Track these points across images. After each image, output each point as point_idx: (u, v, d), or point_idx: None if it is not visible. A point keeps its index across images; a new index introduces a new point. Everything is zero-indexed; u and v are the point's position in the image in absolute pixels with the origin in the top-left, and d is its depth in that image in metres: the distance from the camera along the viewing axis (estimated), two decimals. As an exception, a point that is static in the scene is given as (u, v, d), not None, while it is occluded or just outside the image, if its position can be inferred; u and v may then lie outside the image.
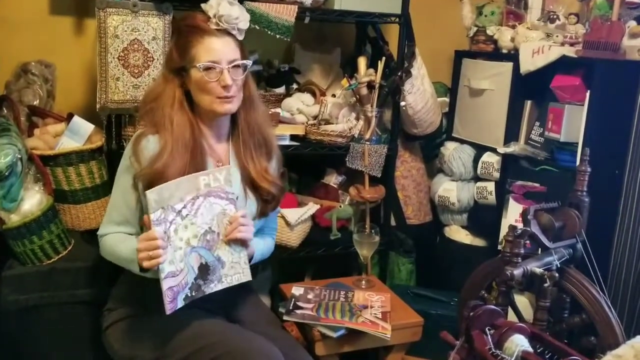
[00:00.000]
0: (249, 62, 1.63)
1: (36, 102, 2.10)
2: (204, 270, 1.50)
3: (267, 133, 1.73)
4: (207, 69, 1.56)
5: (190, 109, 1.62)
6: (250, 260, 1.66)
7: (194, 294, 1.49)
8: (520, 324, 1.25)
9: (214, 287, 1.52)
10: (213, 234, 1.51)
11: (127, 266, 1.58)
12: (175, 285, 1.45)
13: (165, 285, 1.43)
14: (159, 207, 1.42)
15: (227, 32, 1.59)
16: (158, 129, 1.58)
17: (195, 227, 1.48)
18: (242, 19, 1.60)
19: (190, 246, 1.48)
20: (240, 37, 1.62)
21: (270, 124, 1.84)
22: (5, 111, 1.98)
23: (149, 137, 1.58)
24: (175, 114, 1.58)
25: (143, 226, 1.58)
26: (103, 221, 1.65)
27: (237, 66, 1.60)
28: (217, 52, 1.56)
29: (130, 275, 1.63)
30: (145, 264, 1.43)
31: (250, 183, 1.67)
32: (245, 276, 1.56)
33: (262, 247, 1.77)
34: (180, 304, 1.46)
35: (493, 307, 1.27)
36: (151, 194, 1.41)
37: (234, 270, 1.54)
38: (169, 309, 1.43)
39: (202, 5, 1.61)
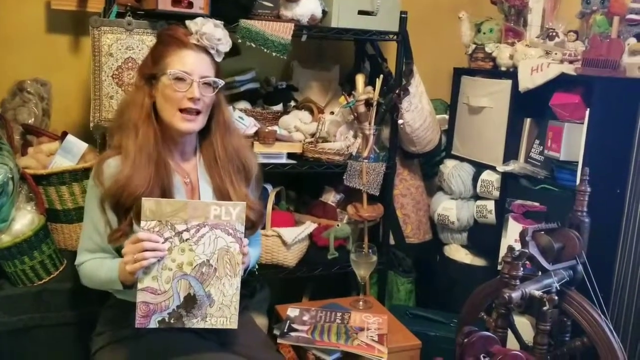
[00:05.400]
0: (220, 82, 1.61)
1: (31, 121, 2.10)
2: (190, 302, 1.46)
3: (244, 157, 1.70)
4: (178, 78, 1.54)
5: (157, 123, 1.59)
6: (245, 271, 1.63)
7: (172, 321, 1.45)
8: (516, 352, 1.21)
9: (195, 322, 1.47)
10: (209, 268, 1.47)
11: (110, 287, 1.57)
12: (152, 304, 1.43)
13: (140, 297, 1.42)
14: (154, 218, 1.41)
15: (205, 50, 1.58)
16: (122, 145, 1.55)
17: (193, 254, 1.45)
18: (224, 42, 1.59)
19: (183, 272, 1.45)
20: (218, 59, 1.61)
21: (248, 147, 1.81)
22: (-1, 130, 1.97)
23: (109, 161, 1.56)
24: (142, 123, 1.55)
25: (118, 248, 1.57)
26: (78, 250, 1.63)
27: (209, 84, 1.58)
28: (191, 65, 1.55)
29: (117, 298, 1.62)
30: (129, 267, 1.40)
31: None
32: (232, 323, 1.50)
33: (255, 255, 1.76)
34: (152, 324, 1.43)
35: (488, 333, 1.23)
36: (147, 202, 1.41)
37: (221, 313, 1.48)
38: (138, 323, 1.42)
39: (187, 21, 1.60)
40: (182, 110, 1.55)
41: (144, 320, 1.43)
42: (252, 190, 1.73)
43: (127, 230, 1.52)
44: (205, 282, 1.46)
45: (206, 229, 1.45)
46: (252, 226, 1.66)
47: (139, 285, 1.43)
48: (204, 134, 1.67)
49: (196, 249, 1.45)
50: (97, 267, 1.57)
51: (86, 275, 1.61)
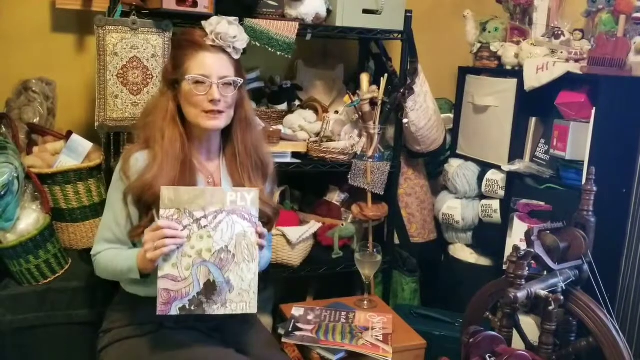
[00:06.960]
0: (240, 80, 1.62)
1: (37, 120, 2.10)
2: (210, 289, 1.46)
3: (263, 154, 1.72)
4: (197, 82, 1.56)
5: (182, 124, 1.62)
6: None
7: (193, 308, 1.45)
8: (522, 352, 1.20)
9: (216, 309, 1.47)
10: (228, 254, 1.48)
11: (126, 276, 1.56)
12: (173, 291, 1.44)
13: (161, 284, 1.43)
14: (173, 206, 1.43)
15: (222, 50, 1.60)
16: (149, 141, 1.59)
17: (211, 241, 1.46)
18: (239, 39, 1.61)
19: (202, 259, 1.46)
20: (236, 56, 1.63)
21: (266, 145, 1.82)
22: (4, 129, 1.98)
23: (136, 155, 1.58)
24: (167, 127, 1.59)
25: (136, 242, 1.57)
26: (95, 240, 1.65)
27: (229, 83, 1.60)
28: (209, 66, 1.57)
29: (125, 295, 1.62)
30: (149, 254, 1.42)
31: None
32: (251, 308, 1.50)
33: (266, 258, 1.78)
34: (174, 311, 1.44)
35: (493, 333, 1.22)
36: (166, 190, 1.43)
37: (241, 298, 1.49)
38: (159, 310, 1.43)
39: (202, 22, 1.62)
40: (205, 111, 1.58)
41: (164, 307, 1.43)
42: (267, 188, 1.74)
43: (148, 227, 1.53)
44: (224, 268, 1.47)
45: (223, 215, 1.46)
46: (269, 222, 1.68)
47: (159, 273, 1.43)
48: (227, 132, 1.69)
49: (214, 235, 1.46)
50: (114, 256, 1.58)
51: (102, 265, 1.61)
